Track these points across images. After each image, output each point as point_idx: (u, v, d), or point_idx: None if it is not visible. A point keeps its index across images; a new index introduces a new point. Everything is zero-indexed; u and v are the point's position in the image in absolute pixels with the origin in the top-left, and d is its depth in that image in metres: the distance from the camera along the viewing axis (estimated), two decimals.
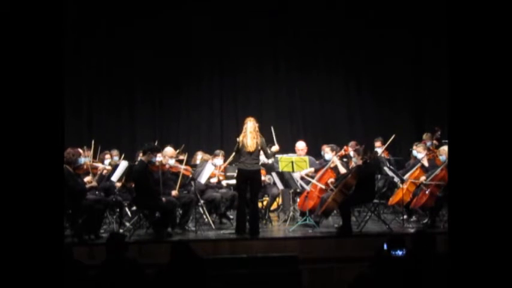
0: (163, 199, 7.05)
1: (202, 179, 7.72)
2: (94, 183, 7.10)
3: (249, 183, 7.13)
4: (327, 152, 8.24)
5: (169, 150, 7.84)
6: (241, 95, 11.51)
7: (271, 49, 11.52)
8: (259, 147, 7.16)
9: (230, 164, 8.39)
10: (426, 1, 10.68)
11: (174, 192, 7.36)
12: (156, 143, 8.39)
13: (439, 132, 9.33)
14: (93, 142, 8.39)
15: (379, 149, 9.29)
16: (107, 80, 11.22)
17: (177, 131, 11.38)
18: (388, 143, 9.05)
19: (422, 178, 7.69)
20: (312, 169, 8.17)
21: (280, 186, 7.99)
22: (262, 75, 11.53)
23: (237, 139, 7.24)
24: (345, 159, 8.24)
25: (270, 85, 11.54)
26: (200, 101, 11.47)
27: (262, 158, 7.71)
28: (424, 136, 9.45)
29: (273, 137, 8.31)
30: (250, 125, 7.14)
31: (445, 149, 7.73)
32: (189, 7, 11.02)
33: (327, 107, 11.63)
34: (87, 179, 7.08)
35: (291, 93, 11.59)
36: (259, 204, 7.99)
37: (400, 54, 11.38)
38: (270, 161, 8.33)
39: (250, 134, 7.09)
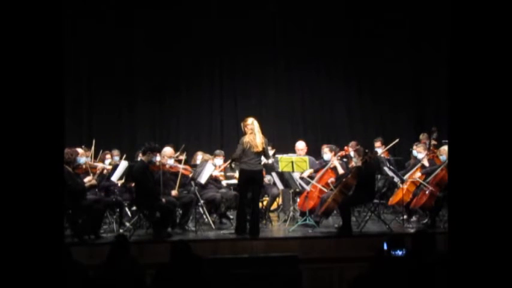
0: (163, 199, 7.05)
1: (203, 179, 7.72)
2: (94, 182, 7.10)
3: (251, 183, 7.07)
4: (326, 153, 8.24)
5: (168, 150, 7.83)
6: (241, 95, 11.51)
7: (271, 49, 11.51)
8: (264, 147, 7.05)
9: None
10: (426, 3, 10.68)
11: (174, 192, 7.36)
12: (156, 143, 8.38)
13: (435, 133, 9.33)
14: (93, 142, 8.39)
15: (379, 149, 9.30)
16: (107, 80, 11.22)
17: (177, 131, 11.38)
18: (389, 146, 9.05)
19: (418, 174, 7.69)
20: (311, 170, 8.16)
21: (280, 186, 7.98)
22: (263, 75, 11.53)
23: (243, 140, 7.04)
24: (345, 159, 8.24)
25: (270, 85, 11.54)
26: (200, 101, 11.48)
27: (263, 158, 7.69)
28: (421, 136, 9.45)
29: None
30: (257, 124, 7.03)
31: (445, 149, 7.73)
32: (189, 6, 11.02)
33: (327, 107, 11.63)
34: (87, 178, 7.09)
35: (291, 93, 11.59)
36: (259, 204, 7.97)
37: (400, 55, 11.38)
38: (270, 161, 8.31)
39: (258, 133, 7.01)
